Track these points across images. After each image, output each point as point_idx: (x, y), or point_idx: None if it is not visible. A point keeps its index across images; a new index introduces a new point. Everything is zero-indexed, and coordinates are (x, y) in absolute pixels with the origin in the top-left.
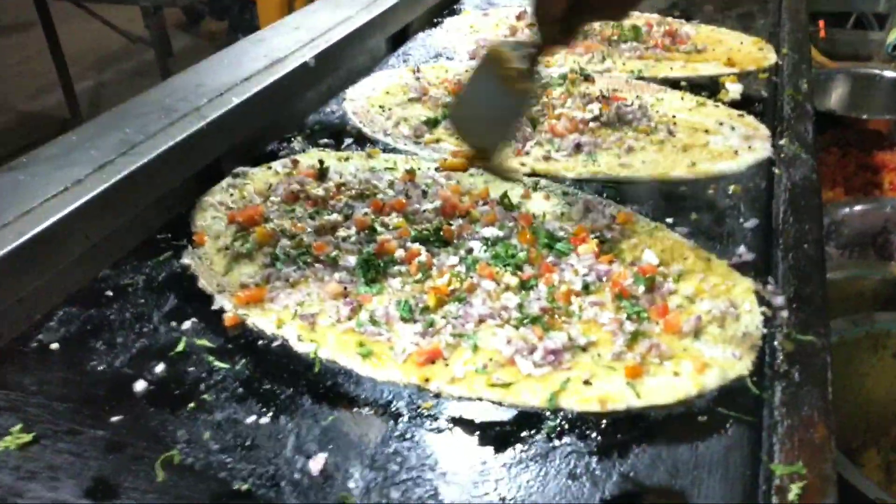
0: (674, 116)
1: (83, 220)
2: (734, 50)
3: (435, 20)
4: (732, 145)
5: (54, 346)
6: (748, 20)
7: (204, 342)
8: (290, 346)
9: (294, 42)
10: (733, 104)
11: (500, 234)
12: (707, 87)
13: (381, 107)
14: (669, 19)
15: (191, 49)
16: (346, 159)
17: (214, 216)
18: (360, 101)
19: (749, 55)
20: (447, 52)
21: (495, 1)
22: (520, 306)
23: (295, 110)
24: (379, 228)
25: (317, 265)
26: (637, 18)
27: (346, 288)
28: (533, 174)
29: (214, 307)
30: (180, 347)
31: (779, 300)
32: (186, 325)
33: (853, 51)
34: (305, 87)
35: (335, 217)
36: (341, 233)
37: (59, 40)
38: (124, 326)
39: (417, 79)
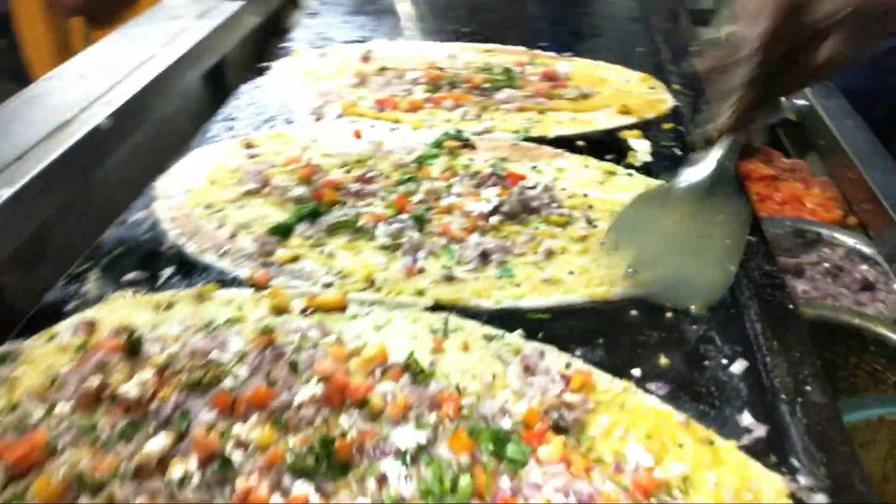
0: (585, 195)
1: None
2: (623, 92)
3: (260, 65)
4: None
5: None
6: (623, 46)
7: None
8: None
9: (83, 96)
10: (646, 168)
11: (422, 438)
12: (608, 146)
13: (207, 206)
14: (539, 53)
15: None
16: (168, 307)
17: None
18: (176, 200)
19: (642, 98)
20: (284, 112)
21: (330, 34)
22: None
23: (89, 207)
24: (233, 455)
25: None
26: (500, 52)
27: None
28: (437, 307)
29: None
30: None
31: (818, 499)
32: None
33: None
34: (101, 159)
35: (162, 441)
36: (175, 472)
37: None
38: None
39: (252, 156)
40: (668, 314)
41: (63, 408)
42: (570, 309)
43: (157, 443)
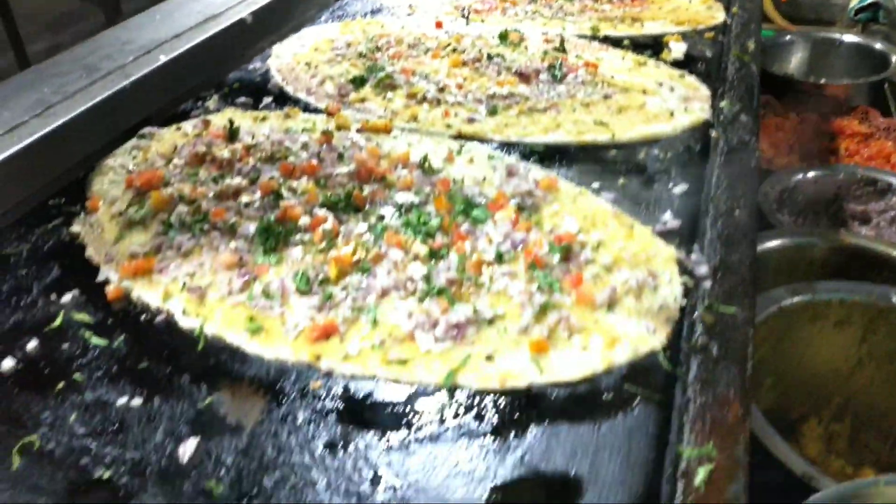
0: (612, 77)
1: None
2: (682, 8)
3: None
4: (670, 107)
5: None
6: None
7: (83, 316)
8: (174, 322)
9: None
10: (676, 64)
11: (416, 199)
12: (650, 47)
13: (307, 64)
14: None
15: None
16: (263, 119)
17: (113, 180)
18: (285, 58)
19: (697, 14)
20: (387, 6)
21: None
22: (426, 277)
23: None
24: (285, 194)
25: (213, 233)
26: None
27: (241, 258)
28: (459, 136)
29: (99, 278)
30: (57, 322)
31: (702, 269)
32: (67, 297)
33: (815, 15)
34: (241, 45)
35: (239, 181)
36: (244, 198)
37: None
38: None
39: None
40: (641, 155)
41: (178, 161)
42: (562, 145)
43: (235, 181)
